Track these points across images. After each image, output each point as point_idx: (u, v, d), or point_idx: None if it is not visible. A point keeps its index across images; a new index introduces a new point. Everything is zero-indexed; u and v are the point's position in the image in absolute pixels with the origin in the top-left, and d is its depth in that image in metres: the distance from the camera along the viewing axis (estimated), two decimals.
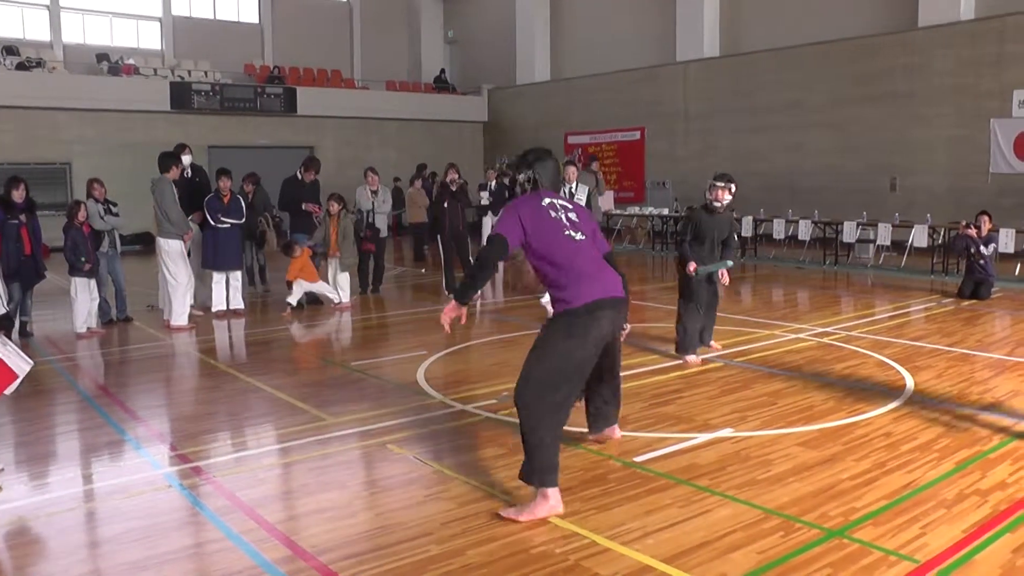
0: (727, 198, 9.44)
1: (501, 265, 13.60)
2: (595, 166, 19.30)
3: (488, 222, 20.79)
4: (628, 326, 5.92)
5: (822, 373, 8.80)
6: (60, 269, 12.87)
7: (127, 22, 29.70)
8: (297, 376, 9.27)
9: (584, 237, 5.45)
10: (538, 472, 5.20)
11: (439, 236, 14.30)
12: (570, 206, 5.61)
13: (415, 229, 20.70)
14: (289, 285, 13.34)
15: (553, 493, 5.20)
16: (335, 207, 13.52)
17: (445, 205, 14.05)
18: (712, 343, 9.93)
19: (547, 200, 5.53)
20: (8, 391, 6.02)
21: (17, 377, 6.02)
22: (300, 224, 14.21)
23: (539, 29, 31.19)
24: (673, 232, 21.42)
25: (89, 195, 12.12)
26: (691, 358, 9.37)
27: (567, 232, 5.40)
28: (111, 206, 12.24)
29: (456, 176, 14.24)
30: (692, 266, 9.25)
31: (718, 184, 9.37)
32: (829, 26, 22.44)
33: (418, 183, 21.05)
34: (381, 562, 4.67)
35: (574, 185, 13.24)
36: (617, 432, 6.55)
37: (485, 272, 5.46)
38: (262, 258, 15.38)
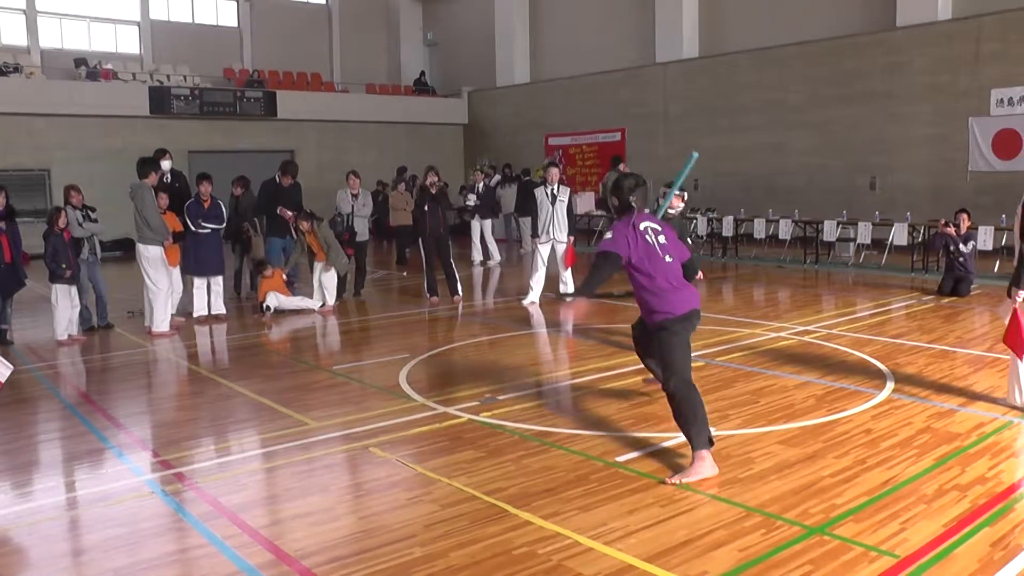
0: (680, 205, 10.38)
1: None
2: (622, 167, 19.27)
3: (477, 226, 20.65)
4: None
5: (803, 371, 8.85)
6: (40, 276, 12.81)
7: (105, 26, 29.54)
8: (279, 381, 9.25)
9: (672, 259, 6.32)
10: (696, 437, 5.98)
11: (420, 239, 14.30)
12: (659, 228, 6.42)
13: (398, 232, 20.69)
14: (261, 305, 13.35)
15: (707, 455, 5.96)
16: (304, 225, 13.51)
17: (426, 208, 14.04)
18: None
19: (643, 224, 6.32)
20: None
21: (1, 385, 6.01)
22: (276, 228, 14.22)
23: (518, 31, 31.19)
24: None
25: (67, 202, 12.04)
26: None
27: (661, 255, 6.26)
28: (89, 212, 12.19)
29: (436, 179, 14.23)
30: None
31: (677, 192, 9.77)
32: (808, 26, 22.52)
33: (401, 186, 21.01)
34: (365, 565, 4.67)
35: (556, 186, 13.35)
36: None
37: (599, 279, 6.25)
38: (251, 264, 15.35)
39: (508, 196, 22.93)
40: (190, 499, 5.77)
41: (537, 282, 13.64)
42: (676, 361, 6.22)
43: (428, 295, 14.29)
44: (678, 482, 5.78)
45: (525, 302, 13.58)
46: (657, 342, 6.37)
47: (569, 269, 13.51)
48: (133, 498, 5.85)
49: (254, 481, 6.19)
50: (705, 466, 5.91)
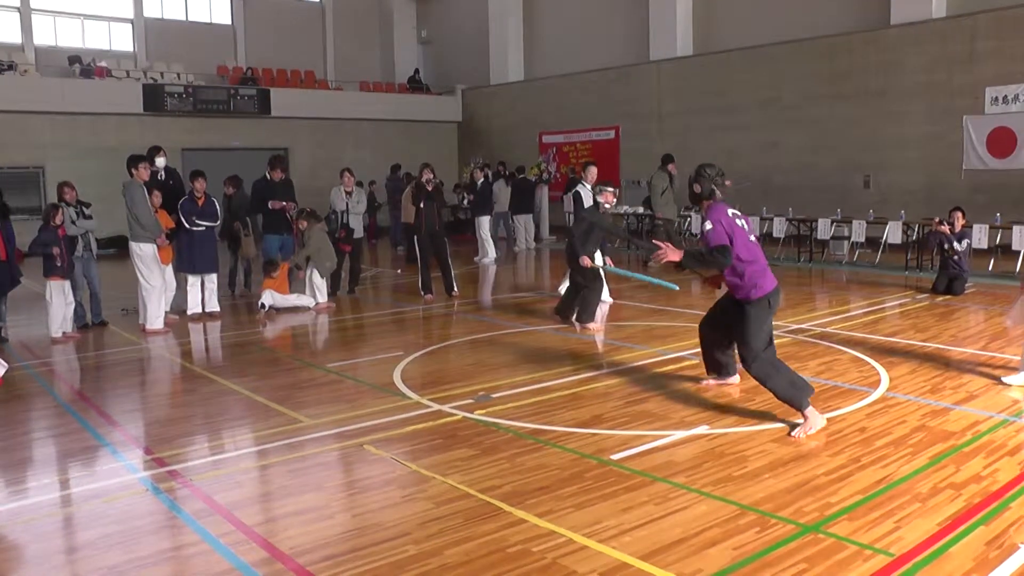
0: (613, 201, 11.97)
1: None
2: (671, 167, 19.26)
3: (484, 222, 20.81)
4: None
5: (797, 369, 8.81)
6: (35, 274, 12.78)
7: (99, 24, 29.48)
8: (273, 378, 9.24)
9: (755, 240, 7.16)
10: (795, 401, 6.84)
11: (416, 236, 14.31)
12: (739, 213, 7.22)
13: (408, 230, 20.76)
14: (259, 303, 13.37)
15: (812, 410, 6.83)
16: (302, 224, 13.56)
17: (421, 205, 14.04)
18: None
19: (730, 211, 7.13)
20: None
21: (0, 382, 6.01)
22: (272, 225, 14.14)
23: (512, 29, 31.20)
24: (648, 231, 21.49)
25: (60, 199, 12.03)
26: (593, 325, 11.49)
27: (750, 236, 7.09)
28: (83, 208, 12.17)
29: (431, 176, 14.23)
30: (587, 261, 11.30)
31: (608, 189, 11.81)
32: (802, 24, 22.54)
33: (413, 183, 21.09)
34: (359, 563, 4.67)
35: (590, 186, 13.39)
36: (737, 378, 8.27)
37: (707, 265, 7.10)
38: (246, 263, 15.34)
39: (501, 194, 22.87)
40: (184, 496, 5.76)
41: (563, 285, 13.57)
42: (755, 342, 6.99)
43: (423, 293, 14.29)
44: (802, 435, 6.67)
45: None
46: (746, 320, 7.03)
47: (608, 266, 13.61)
48: (127, 495, 5.84)
49: (248, 479, 6.18)
50: (816, 419, 6.81)
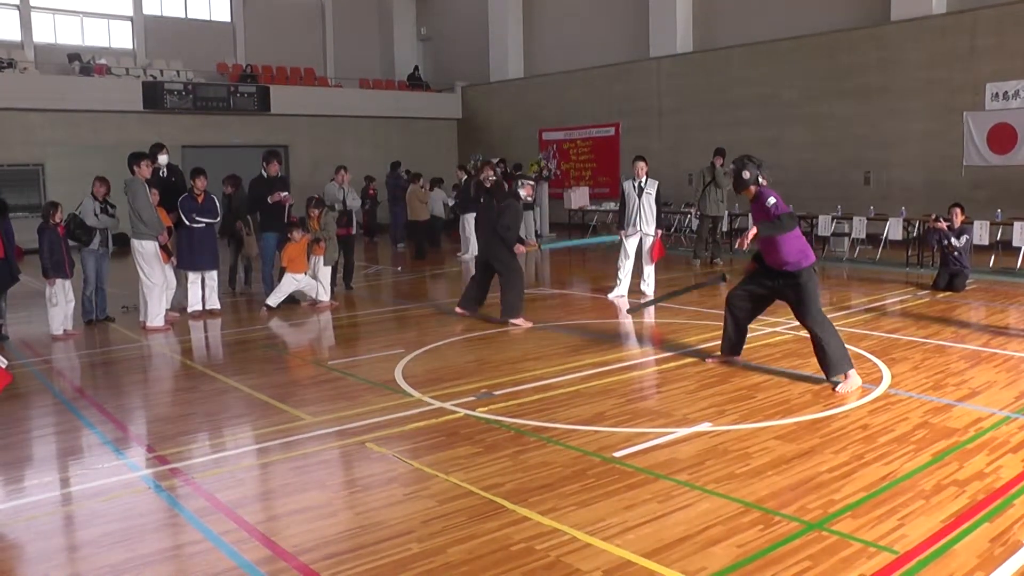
0: (532, 194, 13.27)
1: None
2: (717, 161, 18.90)
3: (468, 219, 20.77)
4: None
5: (799, 366, 8.85)
6: (34, 271, 12.76)
7: (98, 22, 29.47)
8: (275, 376, 9.24)
9: None
10: (841, 361, 7.90)
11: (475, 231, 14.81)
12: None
13: (415, 227, 20.77)
14: (281, 273, 13.32)
15: (852, 372, 7.90)
16: (314, 212, 13.52)
17: (481, 201, 14.49)
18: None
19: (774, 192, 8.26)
20: None
21: (12, 378, 6.01)
22: (270, 223, 13.99)
23: (512, 26, 31.17)
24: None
25: (92, 192, 12.19)
26: (520, 321, 11.58)
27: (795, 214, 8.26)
28: (109, 206, 12.19)
29: (491, 173, 14.51)
30: (522, 248, 11.88)
31: (529, 183, 12.75)
32: (801, 21, 22.53)
33: (420, 180, 21.09)
34: (362, 561, 4.66)
35: (644, 179, 13.42)
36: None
37: (782, 230, 8.08)
38: (245, 261, 15.31)
39: None
40: (186, 495, 5.75)
41: (625, 275, 13.68)
42: (817, 304, 8.17)
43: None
44: (847, 390, 7.74)
45: (612, 296, 13.57)
46: (800, 290, 8.14)
47: (653, 264, 13.65)
48: (129, 494, 5.83)
49: (250, 477, 6.17)
50: (855, 377, 7.88)
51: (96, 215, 11.99)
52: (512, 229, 11.80)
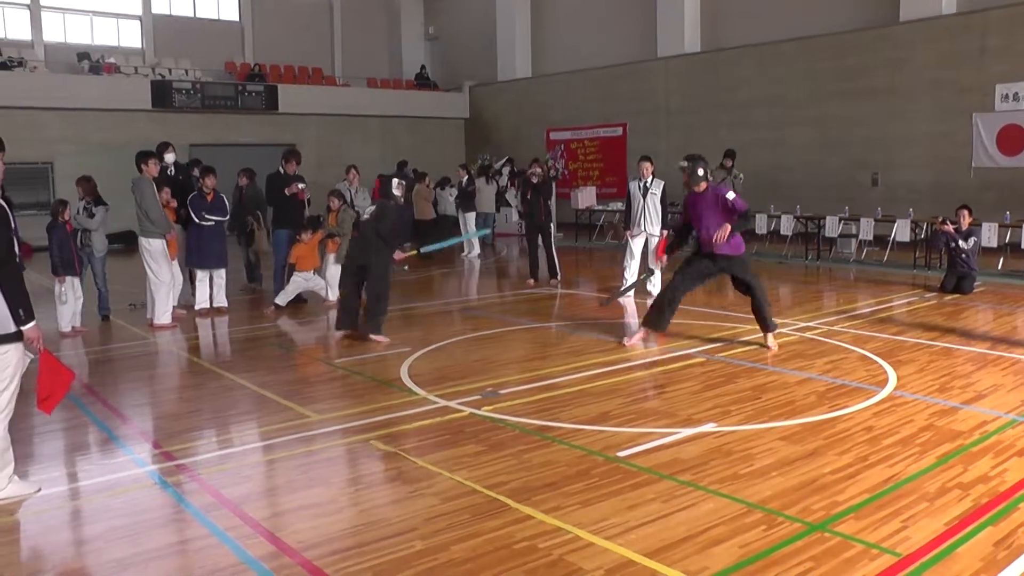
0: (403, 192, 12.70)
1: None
2: (726, 163, 18.78)
3: (469, 219, 21.42)
4: None
5: (804, 368, 8.85)
6: (42, 268, 12.80)
7: (107, 21, 29.51)
8: (281, 373, 9.26)
9: None
10: (771, 320, 9.88)
11: (524, 225, 15.22)
12: None
13: (421, 226, 20.84)
14: (290, 270, 13.36)
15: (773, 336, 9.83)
16: (335, 203, 13.54)
17: (528, 197, 15.13)
18: None
19: None
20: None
21: (74, 375, 6.19)
22: (283, 220, 13.96)
23: (520, 25, 31.17)
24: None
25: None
26: (380, 338, 10.69)
27: None
28: (91, 207, 12.15)
29: (539, 169, 14.93)
30: (401, 254, 11.26)
31: (403, 184, 11.97)
32: (810, 21, 22.50)
33: (427, 179, 21.12)
34: (366, 558, 4.68)
35: (649, 180, 13.46)
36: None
37: (751, 222, 9.97)
38: (253, 255, 15.32)
39: (487, 193, 22.57)
40: (192, 490, 5.78)
41: (631, 275, 13.66)
42: (754, 273, 9.85)
43: (529, 279, 15.38)
44: (776, 346, 9.68)
45: (619, 297, 13.58)
46: (746, 266, 9.77)
47: (659, 265, 13.61)
48: (135, 489, 5.86)
49: (256, 473, 6.19)
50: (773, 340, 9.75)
51: (75, 215, 12.00)
52: (400, 235, 11.05)
